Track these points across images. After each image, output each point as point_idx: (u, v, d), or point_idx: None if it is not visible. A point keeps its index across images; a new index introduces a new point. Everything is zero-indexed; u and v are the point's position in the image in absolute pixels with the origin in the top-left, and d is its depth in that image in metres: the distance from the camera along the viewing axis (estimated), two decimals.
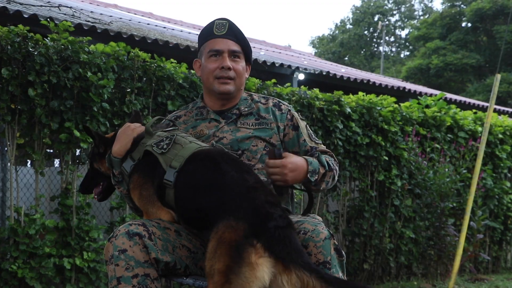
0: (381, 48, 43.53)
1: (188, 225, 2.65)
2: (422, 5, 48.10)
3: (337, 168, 2.95)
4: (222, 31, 2.94)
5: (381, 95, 7.01)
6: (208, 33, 2.98)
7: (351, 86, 11.57)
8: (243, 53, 2.99)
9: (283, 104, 3.06)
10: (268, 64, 9.72)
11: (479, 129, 7.81)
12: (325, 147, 3.03)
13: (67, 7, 8.61)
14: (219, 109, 3.00)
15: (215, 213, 2.40)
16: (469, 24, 34.07)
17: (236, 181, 2.47)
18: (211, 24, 2.98)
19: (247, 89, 5.57)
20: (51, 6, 8.43)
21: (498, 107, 16.84)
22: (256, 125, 2.96)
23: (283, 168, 2.70)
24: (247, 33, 3.02)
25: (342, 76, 11.66)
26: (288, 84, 6.30)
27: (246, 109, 2.99)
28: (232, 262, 2.20)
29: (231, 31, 2.96)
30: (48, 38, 4.69)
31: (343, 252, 2.55)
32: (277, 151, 2.74)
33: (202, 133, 2.92)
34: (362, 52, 45.04)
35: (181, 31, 12.81)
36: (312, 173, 2.79)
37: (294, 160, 2.75)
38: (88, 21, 8.08)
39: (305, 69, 10.96)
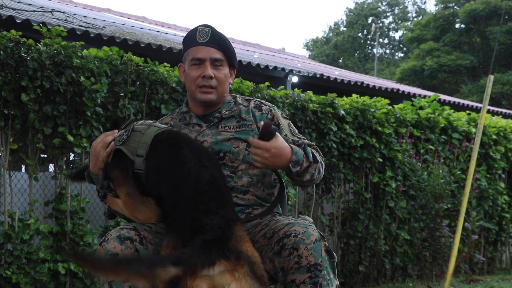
0: (375, 50, 43.61)
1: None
2: (415, 6, 48.24)
3: (322, 162, 2.92)
4: (205, 38, 2.94)
5: (375, 97, 7.03)
6: (191, 39, 2.98)
7: (345, 88, 11.58)
8: (226, 60, 2.97)
9: (265, 104, 3.05)
10: (261, 67, 9.73)
11: (473, 130, 7.83)
12: (308, 141, 2.99)
13: (60, 12, 8.60)
14: (201, 113, 3.01)
15: (169, 215, 2.47)
16: (463, 25, 34.16)
17: (190, 177, 2.47)
18: (194, 31, 2.98)
19: (240, 92, 5.58)
20: (44, 11, 8.42)
21: (491, 108, 16.88)
22: (237, 127, 2.95)
23: (265, 152, 2.66)
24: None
25: (335, 79, 11.67)
26: (282, 87, 6.30)
27: (227, 112, 2.99)
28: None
29: (213, 38, 2.95)
30: (41, 43, 4.68)
31: (334, 254, 2.55)
32: (272, 129, 2.67)
33: None
34: (356, 54, 45.13)
35: (175, 35, 12.80)
36: (294, 164, 2.74)
37: (279, 146, 2.69)
38: (81, 26, 8.07)
39: (299, 71, 10.97)
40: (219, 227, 2.28)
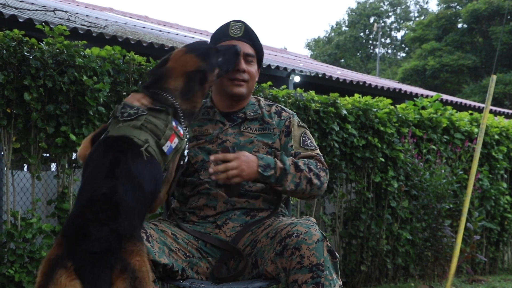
0: (377, 50, 43.60)
1: None
2: (417, 6, 48.23)
3: (318, 173, 2.85)
4: (238, 33, 2.95)
5: (377, 97, 7.02)
6: (223, 34, 2.98)
7: (347, 88, 11.59)
8: (256, 57, 3.00)
9: (285, 111, 3.07)
10: (264, 66, 9.73)
11: (475, 130, 7.82)
12: (316, 153, 2.96)
13: (62, 11, 8.61)
14: (226, 110, 3.01)
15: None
16: (465, 25, 34.15)
17: (89, 184, 2.32)
18: (226, 26, 2.98)
19: None
20: (46, 10, 8.42)
21: (494, 108, 16.87)
22: (260, 130, 2.97)
23: (237, 160, 2.67)
24: None
25: (338, 78, 11.68)
26: (284, 86, 6.29)
27: (252, 114, 3.00)
28: (43, 281, 2.09)
29: (246, 33, 2.96)
30: (44, 42, 4.68)
31: (337, 254, 2.55)
32: (231, 149, 2.71)
33: (206, 132, 2.95)
34: (358, 54, 45.11)
35: (177, 34, 12.81)
36: (265, 168, 2.73)
37: (243, 153, 2.72)
38: (84, 25, 8.08)
39: (301, 71, 10.99)
40: (107, 240, 2.11)
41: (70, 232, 2.14)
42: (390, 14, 47.21)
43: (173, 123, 2.55)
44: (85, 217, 2.16)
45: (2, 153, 4.65)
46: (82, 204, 2.22)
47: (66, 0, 13.69)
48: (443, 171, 7.00)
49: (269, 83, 6.01)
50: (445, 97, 15.33)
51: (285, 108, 3.10)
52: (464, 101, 16.59)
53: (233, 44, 2.87)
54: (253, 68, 2.98)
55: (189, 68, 2.66)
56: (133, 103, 2.57)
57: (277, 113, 3.05)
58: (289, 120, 3.03)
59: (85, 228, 2.12)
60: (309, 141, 3.00)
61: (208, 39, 3.20)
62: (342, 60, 43.71)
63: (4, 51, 4.42)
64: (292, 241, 2.52)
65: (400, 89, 13.41)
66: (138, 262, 2.15)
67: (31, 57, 4.51)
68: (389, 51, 48.34)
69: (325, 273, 2.48)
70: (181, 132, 2.58)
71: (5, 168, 4.68)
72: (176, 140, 2.54)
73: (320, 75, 11.34)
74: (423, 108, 8.19)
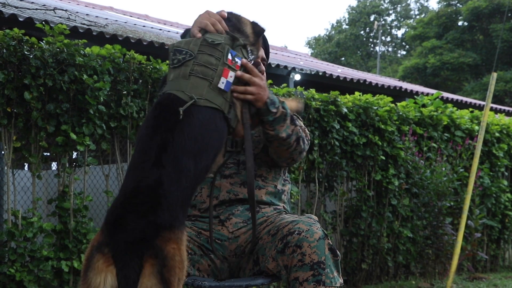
0: (377, 48, 43.59)
1: None
2: (418, 4, 48.28)
3: (304, 138, 2.89)
4: None
5: (377, 95, 7.02)
6: None
7: (347, 86, 11.59)
8: (266, 62, 3.12)
9: None
10: None
11: (476, 128, 7.82)
12: (303, 128, 3.00)
13: (63, 10, 8.60)
14: None
15: None
16: (466, 23, 34.17)
17: (135, 174, 2.27)
18: None
19: None
20: (46, 9, 8.43)
21: (494, 105, 16.86)
22: None
23: (262, 82, 2.59)
24: None
25: (338, 76, 11.68)
26: (284, 84, 6.29)
27: None
28: (85, 265, 2.16)
29: (263, 40, 3.04)
30: (44, 41, 4.68)
31: (338, 252, 2.55)
32: (260, 68, 2.69)
33: None
34: (359, 52, 45.12)
35: (177, 33, 12.80)
36: (271, 102, 2.68)
37: (265, 81, 2.68)
38: (84, 24, 8.08)
39: (301, 69, 10.98)
40: (143, 230, 2.12)
41: (110, 220, 2.17)
42: (390, 12, 47.23)
43: (229, 56, 2.43)
44: (125, 208, 2.17)
45: (3, 152, 4.65)
46: (126, 193, 2.22)
47: None
48: (443, 169, 7.00)
49: (270, 81, 6.00)
50: (446, 95, 15.34)
51: None
52: (464, 99, 16.58)
53: None
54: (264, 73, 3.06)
55: (257, 29, 2.70)
56: (207, 26, 2.55)
57: None
58: None
59: (123, 218, 2.14)
60: (298, 121, 3.02)
61: None
62: (343, 58, 43.72)
63: (4, 50, 4.42)
64: (294, 238, 2.52)
65: (401, 87, 13.40)
66: (173, 250, 2.14)
67: (31, 56, 4.51)
68: (390, 49, 48.36)
69: (326, 271, 2.48)
70: (238, 64, 2.45)
71: (6, 167, 4.68)
72: (231, 73, 2.40)
73: (320, 73, 11.34)
74: (424, 106, 8.19)
